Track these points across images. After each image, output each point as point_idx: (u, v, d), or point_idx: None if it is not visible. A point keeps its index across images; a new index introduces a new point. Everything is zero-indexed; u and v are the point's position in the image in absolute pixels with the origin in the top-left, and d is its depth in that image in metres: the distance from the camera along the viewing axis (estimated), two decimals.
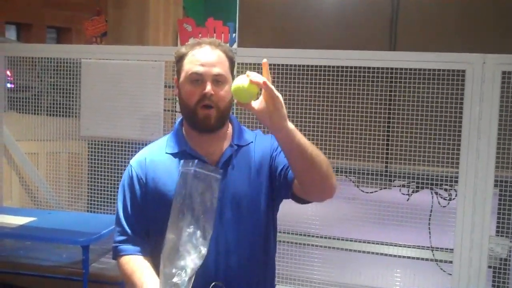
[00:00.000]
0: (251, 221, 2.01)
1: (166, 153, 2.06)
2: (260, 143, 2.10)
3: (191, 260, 1.81)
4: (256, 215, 2.02)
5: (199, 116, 1.94)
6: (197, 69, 1.93)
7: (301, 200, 2.02)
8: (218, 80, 1.93)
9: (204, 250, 1.83)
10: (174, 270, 1.80)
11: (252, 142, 2.10)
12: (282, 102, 1.67)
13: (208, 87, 1.91)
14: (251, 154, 2.06)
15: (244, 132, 2.13)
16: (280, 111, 1.67)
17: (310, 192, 1.96)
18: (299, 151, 1.76)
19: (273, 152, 2.06)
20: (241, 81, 1.68)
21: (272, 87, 1.66)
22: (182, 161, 1.91)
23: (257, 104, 1.70)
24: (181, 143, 2.04)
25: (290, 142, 1.74)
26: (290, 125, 1.71)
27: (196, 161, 1.91)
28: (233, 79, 1.96)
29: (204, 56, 1.94)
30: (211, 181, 1.89)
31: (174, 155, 2.04)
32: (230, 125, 2.11)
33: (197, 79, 1.93)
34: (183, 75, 1.98)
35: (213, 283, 1.91)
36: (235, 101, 1.71)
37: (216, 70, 1.93)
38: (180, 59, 2.00)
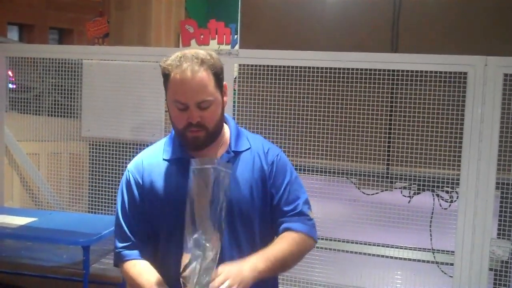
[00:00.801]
0: (245, 228, 2.01)
1: (163, 159, 2.05)
2: (258, 152, 2.08)
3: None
4: (250, 222, 2.01)
5: (188, 138, 1.92)
6: (180, 98, 1.87)
7: None
8: (202, 107, 1.88)
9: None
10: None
11: (249, 148, 2.07)
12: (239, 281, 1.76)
13: (194, 115, 1.86)
14: (249, 161, 2.04)
15: (241, 137, 2.10)
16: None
17: None
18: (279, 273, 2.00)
19: (270, 171, 2.07)
20: None
21: None
22: (192, 160, 1.84)
23: None
24: (177, 150, 2.03)
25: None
26: (259, 271, 1.84)
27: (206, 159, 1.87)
28: (221, 88, 1.95)
29: (185, 84, 1.85)
30: (224, 175, 1.84)
31: (171, 161, 2.04)
32: (228, 129, 2.09)
33: (182, 108, 1.88)
34: (169, 97, 1.93)
35: None
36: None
37: (199, 98, 1.86)
38: (164, 76, 1.93)
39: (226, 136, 2.07)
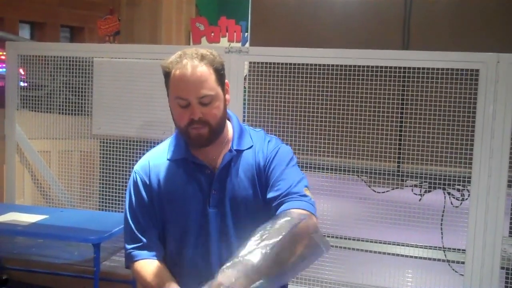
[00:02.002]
0: (251, 227, 1.99)
1: (168, 159, 2.05)
2: (260, 148, 2.06)
3: None
4: (256, 221, 2.00)
5: (191, 136, 1.91)
6: (181, 94, 1.86)
7: None
8: (204, 102, 1.87)
9: None
10: None
11: (252, 146, 2.06)
12: None
13: (196, 112, 1.86)
14: (252, 159, 2.03)
15: (244, 134, 2.09)
16: None
17: None
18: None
19: (268, 163, 2.01)
20: None
21: None
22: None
23: None
24: (182, 150, 2.03)
25: None
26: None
27: None
28: (223, 85, 1.92)
29: (186, 79, 1.85)
30: None
31: (175, 162, 2.04)
32: (230, 127, 2.08)
33: (184, 104, 1.87)
34: (170, 95, 1.92)
35: None
36: None
37: (201, 93, 1.85)
38: (165, 75, 1.92)
39: (229, 134, 2.07)
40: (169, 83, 1.91)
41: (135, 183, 2.05)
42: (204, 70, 1.86)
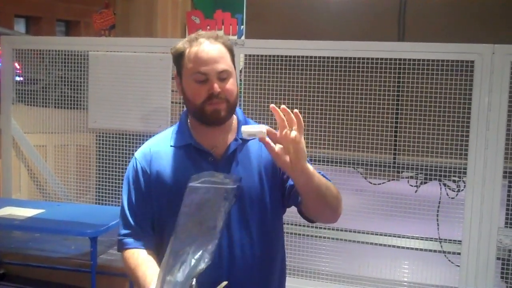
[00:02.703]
0: (256, 217, 1.99)
1: (171, 146, 2.04)
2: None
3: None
4: (261, 211, 2.00)
5: (208, 112, 1.91)
6: (201, 68, 1.88)
7: (306, 218, 2.01)
8: (222, 77, 1.89)
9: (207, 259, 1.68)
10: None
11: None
12: (303, 143, 1.68)
13: (215, 85, 1.87)
14: (257, 149, 2.03)
15: (249, 125, 2.09)
16: (299, 153, 1.68)
17: (317, 219, 2.01)
18: (315, 193, 1.78)
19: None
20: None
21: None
22: (192, 176, 1.79)
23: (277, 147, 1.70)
24: (186, 136, 2.02)
25: (308, 185, 1.76)
26: (310, 167, 1.72)
27: (206, 173, 1.81)
28: (234, 67, 1.95)
29: (205, 54, 1.89)
30: (224, 193, 1.76)
31: (179, 148, 2.02)
32: (235, 118, 2.08)
33: (202, 79, 1.88)
34: (186, 73, 1.93)
35: (225, 284, 1.80)
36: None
37: (220, 67, 1.88)
38: (179, 56, 1.94)
39: (234, 123, 2.07)
40: (182, 62, 1.93)
41: (135, 170, 2.04)
42: (221, 47, 1.92)
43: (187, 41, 1.94)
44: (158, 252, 2.00)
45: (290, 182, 1.97)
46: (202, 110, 1.91)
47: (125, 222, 2.04)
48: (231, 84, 1.92)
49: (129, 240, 2.02)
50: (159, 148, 2.05)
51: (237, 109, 2.11)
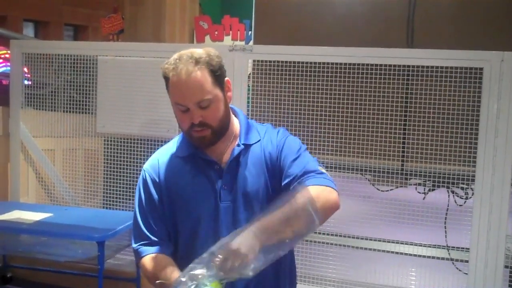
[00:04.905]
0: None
1: (177, 156, 2.06)
2: (268, 140, 2.06)
3: None
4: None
5: (194, 138, 1.94)
6: (179, 100, 1.87)
7: None
8: (202, 106, 1.87)
9: None
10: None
11: (260, 140, 2.06)
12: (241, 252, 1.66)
13: (194, 117, 1.86)
14: (260, 152, 2.03)
15: (251, 129, 2.09)
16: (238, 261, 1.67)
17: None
18: (283, 238, 1.73)
19: (278, 153, 2.01)
20: None
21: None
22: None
23: None
24: (191, 146, 2.03)
25: (271, 241, 1.72)
26: (250, 236, 1.68)
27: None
28: (222, 84, 1.92)
29: (183, 85, 1.85)
30: None
31: (184, 158, 2.04)
32: (237, 123, 2.09)
33: (183, 109, 1.88)
34: (170, 99, 1.93)
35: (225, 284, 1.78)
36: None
37: (197, 98, 1.85)
38: (165, 80, 1.92)
39: (236, 129, 2.07)
40: (168, 88, 1.92)
41: (145, 181, 2.06)
42: (198, 76, 1.85)
43: (169, 67, 1.88)
44: (175, 259, 2.01)
45: (285, 181, 1.96)
46: (189, 135, 1.95)
47: (140, 233, 2.04)
48: (213, 110, 1.90)
49: (145, 248, 2.02)
50: (166, 159, 2.07)
51: (240, 113, 2.12)
